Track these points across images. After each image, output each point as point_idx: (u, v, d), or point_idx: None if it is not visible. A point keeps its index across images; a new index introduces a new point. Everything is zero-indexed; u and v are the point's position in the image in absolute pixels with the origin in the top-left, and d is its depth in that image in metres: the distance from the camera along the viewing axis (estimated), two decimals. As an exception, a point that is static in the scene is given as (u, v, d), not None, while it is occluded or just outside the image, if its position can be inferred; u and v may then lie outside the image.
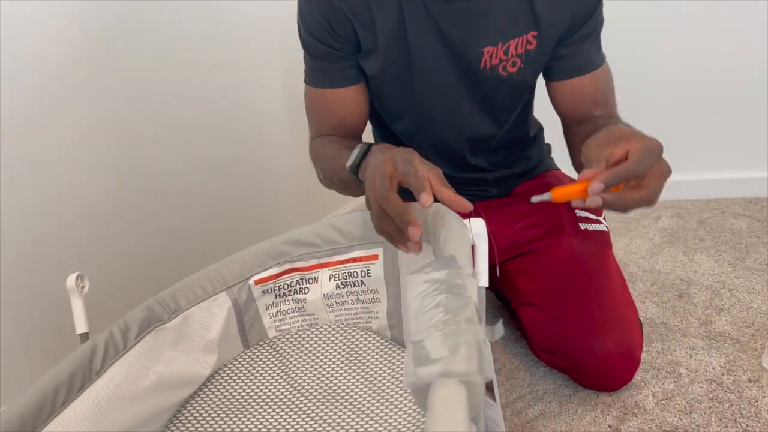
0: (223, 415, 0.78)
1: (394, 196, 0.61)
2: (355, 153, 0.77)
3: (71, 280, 0.73)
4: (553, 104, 0.97)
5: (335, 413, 0.75)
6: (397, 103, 0.96)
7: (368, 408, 0.75)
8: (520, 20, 0.85)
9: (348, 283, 0.86)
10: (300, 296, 0.88)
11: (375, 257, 0.84)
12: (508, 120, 1.00)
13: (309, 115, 0.98)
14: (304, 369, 0.83)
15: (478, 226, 0.65)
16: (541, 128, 1.15)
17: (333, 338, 0.88)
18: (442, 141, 0.99)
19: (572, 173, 1.07)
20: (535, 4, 0.84)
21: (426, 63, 0.89)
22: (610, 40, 0.96)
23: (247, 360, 0.87)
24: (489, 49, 0.87)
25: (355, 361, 0.83)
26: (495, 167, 1.07)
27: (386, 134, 1.06)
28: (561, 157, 1.16)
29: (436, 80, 0.90)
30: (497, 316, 1.22)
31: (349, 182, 0.80)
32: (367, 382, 0.79)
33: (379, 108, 1.00)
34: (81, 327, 0.74)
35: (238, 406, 0.79)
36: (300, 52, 0.96)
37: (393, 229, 0.63)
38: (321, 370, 0.82)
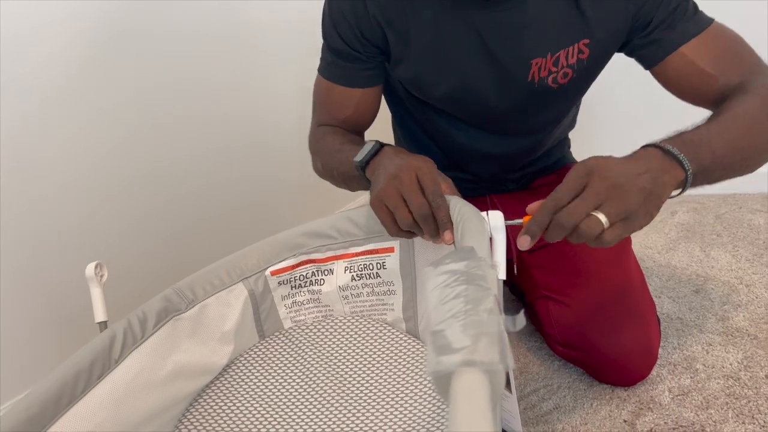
0: (239, 404, 0.78)
1: (445, 202, 0.67)
2: (366, 150, 0.77)
3: (90, 268, 0.74)
4: (673, 94, 0.86)
5: (350, 403, 0.75)
6: (431, 104, 0.95)
7: (383, 399, 0.75)
8: (570, 28, 0.81)
9: (363, 275, 0.86)
10: (315, 287, 0.88)
11: (391, 249, 0.84)
12: (552, 131, 0.98)
13: (316, 104, 0.98)
14: (318, 360, 0.83)
15: (495, 219, 0.65)
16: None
17: (348, 329, 0.88)
18: (473, 145, 0.98)
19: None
20: (586, 11, 0.79)
21: (467, 75, 0.86)
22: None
23: (263, 350, 0.87)
24: (537, 60, 0.82)
25: (370, 353, 0.83)
26: (517, 170, 1.07)
27: (411, 125, 1.04)
28: (579, 150, 1.16)
29: (478, 93, 0.88)
30: (512, 309, 1.22)
31: (351, 177, 0.81)
32: (382, 374, 0.79)
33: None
34: (100, 315, 0.74)
35: (253, 395, 0.79)
36: (313, 51, 0.95)
37: (431, 228, 0.67)
38: (336, 360, 0.83)
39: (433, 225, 0.66)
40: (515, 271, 1.06)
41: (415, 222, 0.66)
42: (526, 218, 0.64)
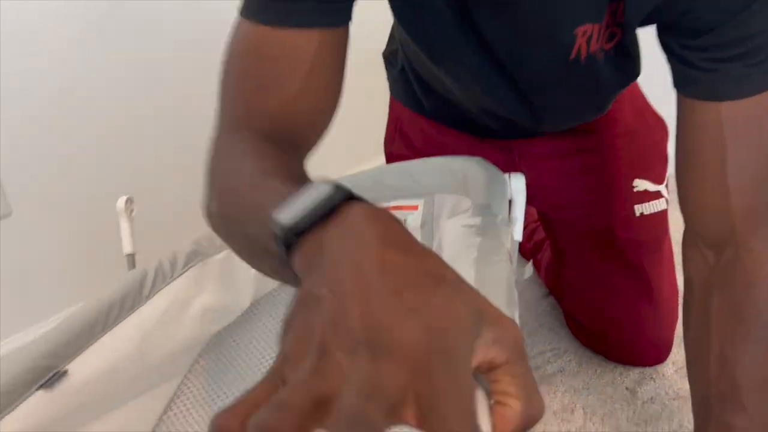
0: (257, 344, 0.82)
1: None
2: (309, 200, 0.31)
3: (121, 202, 0.77)
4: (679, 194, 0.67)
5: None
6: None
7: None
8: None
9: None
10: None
11: (414, 207, 0.84)
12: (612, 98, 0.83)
13: (231, 83, 0.54)
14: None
15: (517, 182, 0.67)
16: None
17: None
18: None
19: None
20: None
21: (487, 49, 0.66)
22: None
23: (282, 294, 0.90)
24: (586, 28, 0.58)
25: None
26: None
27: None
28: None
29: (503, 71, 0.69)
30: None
31: (263, 249, 0.38)
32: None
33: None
34: (128, 248, 0.78)
35: (267, 341, 0.83)
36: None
37: None
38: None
39: None
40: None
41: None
42: None
